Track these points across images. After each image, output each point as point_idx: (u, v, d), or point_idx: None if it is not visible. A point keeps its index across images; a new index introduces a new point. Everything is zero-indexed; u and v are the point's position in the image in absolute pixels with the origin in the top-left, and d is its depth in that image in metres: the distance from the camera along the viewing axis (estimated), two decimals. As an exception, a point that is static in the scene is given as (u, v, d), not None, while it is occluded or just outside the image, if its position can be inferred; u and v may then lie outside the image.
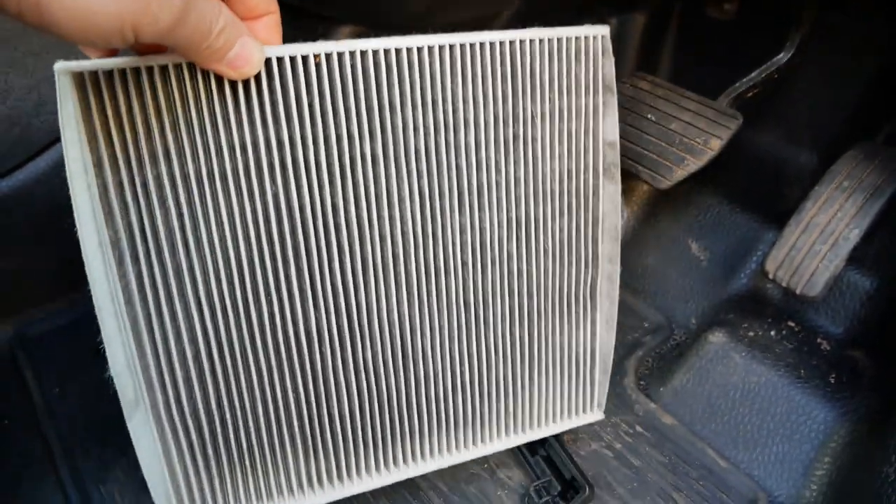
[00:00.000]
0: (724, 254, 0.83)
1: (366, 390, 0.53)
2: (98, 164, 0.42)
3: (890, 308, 0.71)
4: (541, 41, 0.51)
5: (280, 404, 0.51)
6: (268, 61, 0.43)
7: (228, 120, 0.44)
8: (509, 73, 0.50)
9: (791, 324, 0.75)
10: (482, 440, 0.59)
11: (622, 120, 0.78)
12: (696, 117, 0.74)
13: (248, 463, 0.52)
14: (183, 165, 0.44)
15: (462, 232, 0.52)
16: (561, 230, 0.56)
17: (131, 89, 0.41)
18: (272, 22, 0.44)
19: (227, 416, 0.50)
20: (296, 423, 0.52)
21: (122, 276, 0.44)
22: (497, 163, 0.52)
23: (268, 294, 0.48)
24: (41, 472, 0.65)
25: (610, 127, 0.55)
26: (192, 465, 0.50)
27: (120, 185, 0.43)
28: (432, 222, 0.51)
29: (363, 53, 0.45)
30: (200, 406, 0.48)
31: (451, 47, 0.48)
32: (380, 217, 0.49)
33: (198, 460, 0.50)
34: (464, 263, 0.53)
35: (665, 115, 0.76)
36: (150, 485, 0.49)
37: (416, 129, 0.48)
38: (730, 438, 0.67)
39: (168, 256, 0.45)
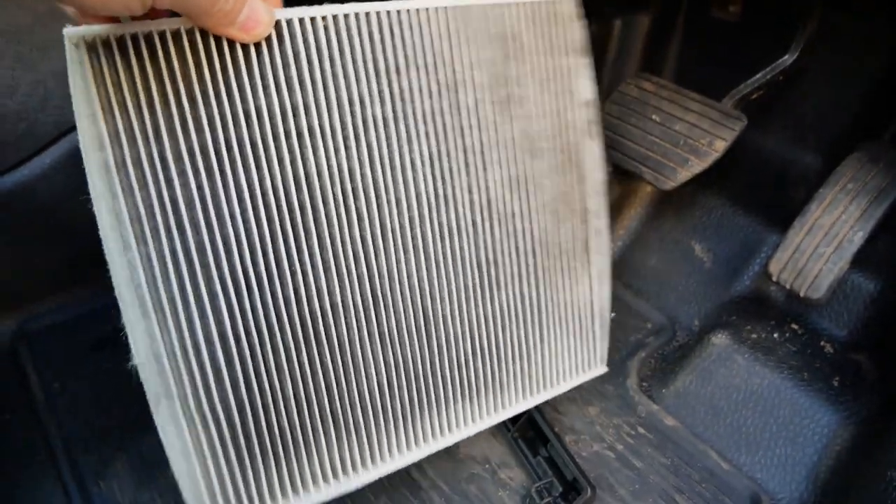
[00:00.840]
0: (727, 256, 0.82)
1: (392, 362, 0.52)
2: (115, 137, 0.40)
3: (893, 311, 0.71)
4: (523, 4, 0.54)
5: (310, 382, 0.48)
6: (277, 24, 0.43)
7: (243, 87, 0.43)
8: (499, 35, 0.53)
9: (794, 326, 0.74)
10: (503, 405, 0.60)
11: (626, 121, 0.78)
12: (701, 118, 0.74)
13: (281, 450, 0.49)
14: (200, 135, 0.42)
15: (469, 191, 0.54)
16: (554, 186, 0.58)
17: (145, 56, 0.40)
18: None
19: (258, 399, 0.47)
20: (326, 402, 0.50)
21: (144, 255, 0.42)
22: (494, 122, 0.54)
23: (291, 265, 0.46)
24: (41, 466, 0.65)
25: (583, 87, 0.58)
26: (224, 456, 0.46)
27: (138, 158, 0.41)
28: (443, 183, 0.52)
29: (367, 15, 0.47)
30: (229, 391, 0.45)
31: (447, 10, 0.50)
32: (394, 180, 0.50)
33: (229, 451, 0.46)
34: (474, 223, 0.54)
35: (669, 116, 0.76)
36: (178, 478, 0.46)
37: (421, 90, 0.50)
38: (732, 441, 0.67)
39: (190, 232, 0.43)
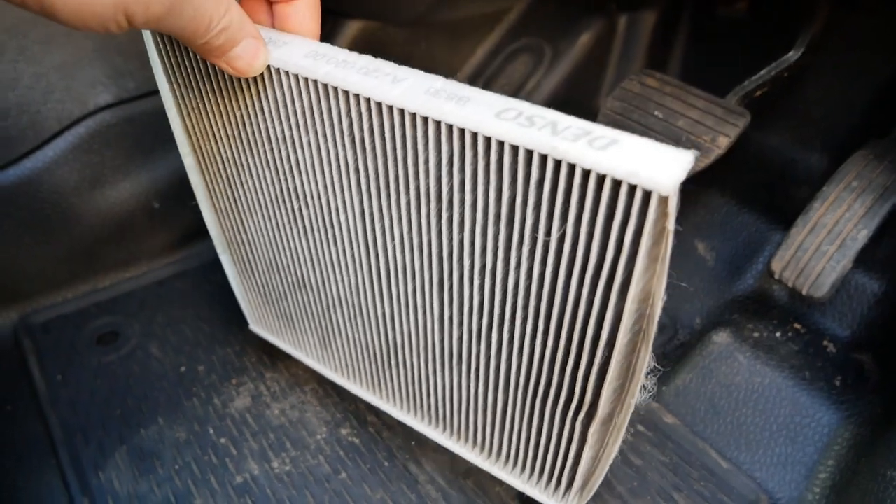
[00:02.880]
0: (730, 254, 0.82)
1: (371, 322, 0.57)
2: (188, 132, 0.56)
3: (897, 312, 0.70)
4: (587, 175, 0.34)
5: (308, 287, 0.59)
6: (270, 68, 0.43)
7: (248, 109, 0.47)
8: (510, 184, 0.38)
9: (797, 326, 0.74)
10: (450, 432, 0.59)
11: (628, 117, 0.77)
12: (704, 115, 0.73)
13: (290, 323, 0.66)
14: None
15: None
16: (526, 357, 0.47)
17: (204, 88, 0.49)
18: (306, 6, 0.44)
19: (271, 280, 0.63)
20: (318, 318, 0.62)
21: (205, 180, 0.60)
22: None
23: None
24: (42, 457, 0.65)
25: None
26: (256, 296, 0.68)
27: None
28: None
29: (379, 106, 0.39)
30: (259, 260, 0.62)
31: (475, 136, 0.37)
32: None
33: (259, 293, 0.67)
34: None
35: (672, 112, 0.75)
36: (236, 294, 0.71)
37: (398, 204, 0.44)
38: (732, 439, 0.66)
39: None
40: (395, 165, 0.42)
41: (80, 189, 0.77)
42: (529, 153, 0.35)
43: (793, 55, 0.75)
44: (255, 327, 0.73)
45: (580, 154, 0.33)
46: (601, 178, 0.34)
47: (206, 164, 0.58)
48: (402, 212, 0.44)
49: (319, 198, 0.49)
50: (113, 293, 0.82)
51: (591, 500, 0.61)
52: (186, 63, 0.49)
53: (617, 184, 0.33)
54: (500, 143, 0.36)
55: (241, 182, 0.55)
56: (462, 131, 0.37)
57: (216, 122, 0.52)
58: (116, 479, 0.63)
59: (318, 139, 0.45)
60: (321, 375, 0.72)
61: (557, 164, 0.35)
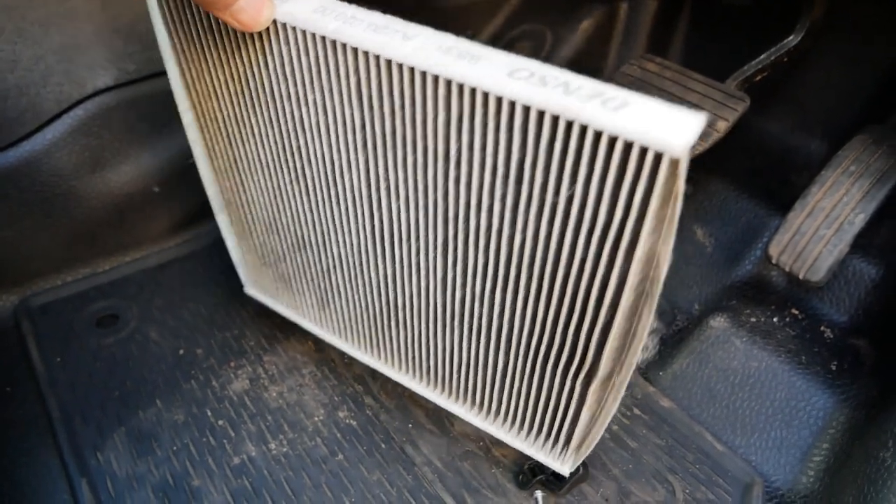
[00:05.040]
0: (729, 240, 0.82)
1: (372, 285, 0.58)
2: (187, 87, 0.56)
3: (894, 297, 0.70)
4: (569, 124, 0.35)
5: (312, 262, 0.61)
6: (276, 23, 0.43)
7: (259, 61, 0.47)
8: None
9: (795, 311, 0.74)
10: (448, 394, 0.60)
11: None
12: (703, 99, 0.73)
13: (284, 280, 0.66)
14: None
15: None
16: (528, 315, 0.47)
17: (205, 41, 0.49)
18: None
19: (269, 236, 0.63)
20: (319, 281, 0.62)
21: (203, 139, 0.60)
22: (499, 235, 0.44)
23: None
24: (40, 438, 0.66)
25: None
26: (253, 259, 0.69)
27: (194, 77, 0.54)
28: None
29: (388, 63, 0.39)
30: (260, 221, 0.62)
31: (473, 91, 0.37)
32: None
33: (256, 255, 0.68)
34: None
35: (672, 96, 0.75)
36: (232, 257, 0.71)
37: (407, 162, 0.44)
38: (728, 423, 0.67)
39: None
40: (403, 124, 0.42)
41: (79, 172, 0.77)
42: (541, 113, 0.35)
43: (793, 39, 0.75)
44: (251, 290, 0.73)
45: (592, 114, 0.33)
46: (612, 140, 0.34)
47: (205, 122, 0.57)
48: (408, 172, 0.44)
49: (324, 157, 0.49)
50: (112, 276, 0.82)
51: (588, 482, 0.61)
52: (188, 15, 0.48)
53: (628, 145, 0.33)
54: (512, 104, 0.36)
55: (243, 141, 0.55)
56: (473, 91, 0.37)
57: (218, 77, 0.51)
58: (115, 460, 0.63)
59: (323, 97, 0.45)
60: (319, 358, 0.73)
61: (569, 124, 0.35)
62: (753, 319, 0.72)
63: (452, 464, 0.63)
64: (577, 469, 0.61)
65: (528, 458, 0.62)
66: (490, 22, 0.96)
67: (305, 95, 0.46)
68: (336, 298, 0.62)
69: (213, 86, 0.52)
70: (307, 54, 0.43)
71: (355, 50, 0.40)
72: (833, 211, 0.64)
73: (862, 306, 0.72)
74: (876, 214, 0.64)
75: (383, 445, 0.64)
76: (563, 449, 0.55)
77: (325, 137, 0.47)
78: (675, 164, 0.32)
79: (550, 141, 0.36)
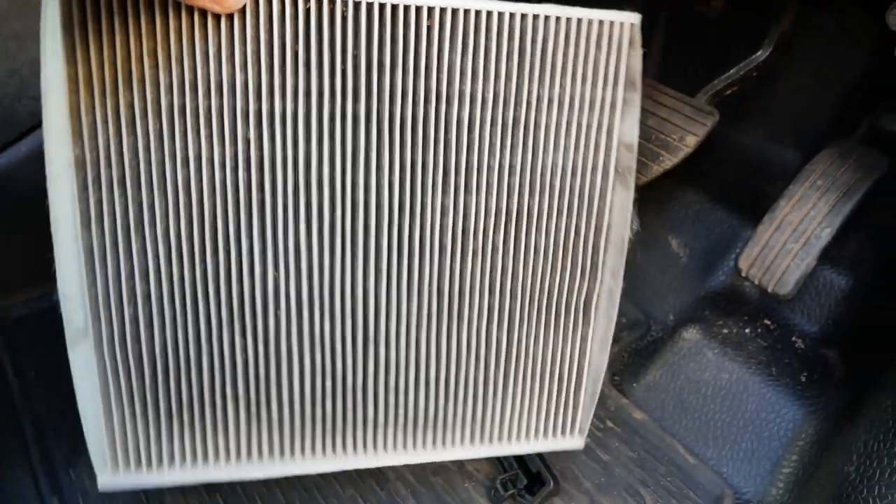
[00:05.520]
0: (703, 251, 0.83)
1: (319, 366, 0.50)
2: (73, 80, 0.42)
3: (863, 309, 0.71)
4: (558, 20, 0.47)
5: (226, 362, 0.48)
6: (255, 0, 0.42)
7: (207, 57, 0.43)
8: (517, 49, 0.46)
9: (767, 322, 0.74)
10: (443, 443, 0.55)
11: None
12: (672, 113, 0.74)
13: (185, 418, 0.49)
14: (157, 97, 0.43)
15: (443, 214, 0.49)
16: (557, 230, 0.51)
17: (115, 10, 0.41)
18: None
19: (171, 363, 0.48)
20: (240, 386, 0.49)
21: (84, 199, 0.44)
22: (492, 145, 0.48)
23: (226, 244, 0.46)
24: (13, 454, 0.65)
25: (628, 126, 0.50)
26: (130, 409, 0.48)
27: (92, 105, 0.43)
28: (410, 197, 0.48)
29: (357, 5, 0.43)
30: (145, 348, 0.47)
31: (454, 11, 0.45)
32: (354, 182, 0.47)
33: (135, 405, 0.48)
34: (442, 247, 0.50)
35: (642, 110, 0.76)
36: (84, 423, 0.47)
37: (404, 94, 0.46)
38: (699, 434, 0.67)
39: (131, 188, 0.44)
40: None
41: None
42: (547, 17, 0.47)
43: (761, 54, 0.76)
44: (116, 477, 0.49)
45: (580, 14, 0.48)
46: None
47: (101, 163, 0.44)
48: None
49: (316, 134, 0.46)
50: (88, 291, 0.82)
51: (559, 495, 0.62)
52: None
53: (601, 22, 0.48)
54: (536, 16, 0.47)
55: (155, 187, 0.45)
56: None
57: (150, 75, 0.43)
58: (87, 477, 0.63)
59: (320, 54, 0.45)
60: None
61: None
62: (726, 330, 0.73)
63: (425, 479, 0.63)
64: (549, 482, 0.61)
65: (501, 472, 0.63)
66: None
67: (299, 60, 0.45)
68: (276, 384, 0.50)
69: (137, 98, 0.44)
70: (296, 19, 0.43)
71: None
72: (800, 225, 0.65)
73: (832, 317, 0.73)
74: (842, 228, 0.65)
75: (357, 460, 0.64)
76: (573, 411, 0.57)
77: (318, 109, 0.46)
78: (634, 27, 0.49)
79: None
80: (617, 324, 0.80)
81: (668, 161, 0.71)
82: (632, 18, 0.49)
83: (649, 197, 0.90)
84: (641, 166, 0.73)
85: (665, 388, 0.71)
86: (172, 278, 0.46)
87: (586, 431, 0.58)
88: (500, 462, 0.64)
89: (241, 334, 0.48)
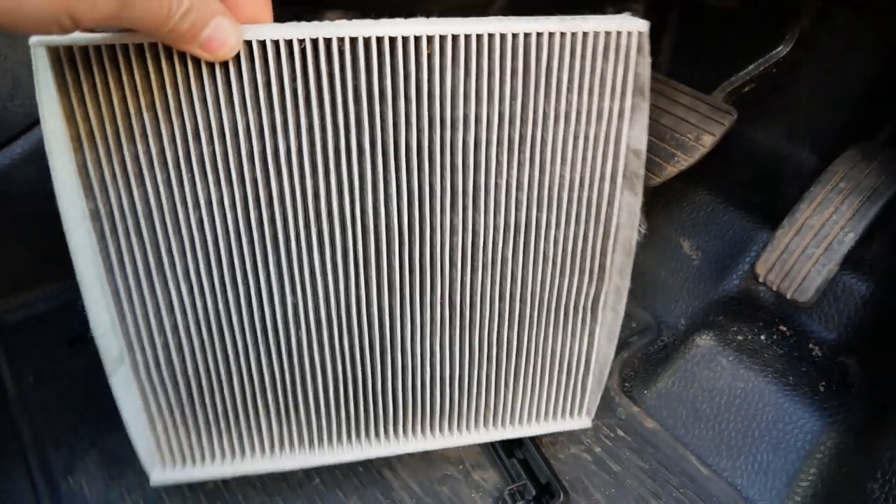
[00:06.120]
0: (716, 254, 0.80)
1: (341, 374, 0.53)
2: (76, 139, 0.42)
3: (884, 315, 0.68)
4: (562, 35, 0.45)
5: (255, 380, 0.52)
6: (249, 43, 0.41)
7: (206, 104, 0.42)
8: (521, 68, 0.45)
9: (783, 328, 0.72)
10: (459, 430, 0.58)
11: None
12: (689, 112, 0.71)
13: (223, 425, 0.54)
14: (162, 148, 0.43)
15: (453, 233, 0.49)
16: (566, 239, 0.52)
17: (107, 67, 0.40)
18: None
19: (204, 383, 0.51)
20: (269, 396, 0.53)
21: (104, 247, 0.45)
22: (499, 164, 0.47)
23: (244, 277, 0.48)
24: (11, 461, 0.64)
25: (637, 133, 0.49)
26: (171, 421, 0.52)
27: (98, 161, 0.43)
28: (420, 220, 0.48)
29: (353, 40, 0.42)
30: (178, 371, 0.50)
31: (455, 38, 0.43)
32: (363, 210, 0.47)
33: (176, 418, 0.52)
34: (452, 264, 0.51)
35: (656, 109, 0.73)
36: (132, 437, 0.52)
37: (408, 122, 0.45)
38: (713, 445, 0.65)
39: (147, 233, 0.45)
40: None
41: (50, 187, 0.75)
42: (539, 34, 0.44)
43: (781, 50, 0.73)
44: (163, 475, 0.54)
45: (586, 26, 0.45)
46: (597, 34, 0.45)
47: (115, 209, 0.45)
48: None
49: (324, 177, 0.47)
50: (87, 292, 0.80)
51: (568, 508, 0.60)
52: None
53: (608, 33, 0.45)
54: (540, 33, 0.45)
55: (178, 219, 0.46)
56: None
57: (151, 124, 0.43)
58: (86, 484, 0.62)
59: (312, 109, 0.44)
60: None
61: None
62: (740, 337, 0.71)
63: (431, 488, 0.62)
64: (559, 493, 0.60)
65: (509, 482, 0.61)
66: (476, 28, 0.94)
67: (288, 116, 0.44)
68: (303, 390, 0.54)
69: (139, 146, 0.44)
70: (288, 65, 0.42)
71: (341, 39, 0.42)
72: (822, 229, 0.63)
73: (851, 324, 0.71)
74: (866, 233, 0.63)
75: (361, 469, 0.63)
76: (581, 395, 0.59)
77: (324, 149, 0.46)
78: (642, 35, 0.46)
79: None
80: (627, 328, 0.79)
81: (684, 161, 0.68)
82: (639, 26, 0.46)
83: (660, 198, 0.88)
84: (656, 167, 0.71)
85: (678, 396, 0.69)
86: (197, 310, 0.48)
87: (593, 413, 0.60)
88: (507, 472, 0.63)
89: (266, 354, 0.51)
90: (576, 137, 0.48)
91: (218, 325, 0.49)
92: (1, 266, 0.76)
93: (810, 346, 0.70)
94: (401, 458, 0.64)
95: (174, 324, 0.48)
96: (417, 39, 0.43)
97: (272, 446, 0.56)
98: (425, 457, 0.64)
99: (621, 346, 0.76)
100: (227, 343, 0.50)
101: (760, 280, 0.65)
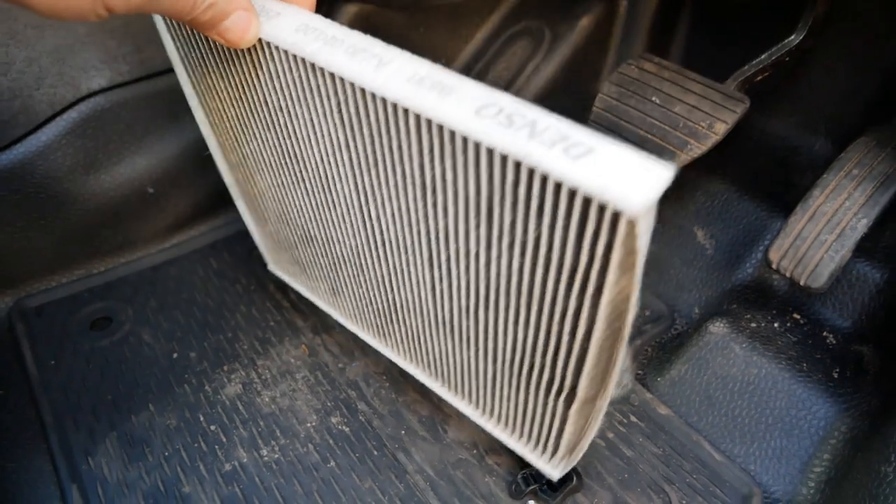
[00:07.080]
0: (730, 242, 0.80)
1: (367, 292, 0.61)
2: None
3: (899, 302, 0.68)
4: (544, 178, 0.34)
5: (319, 252, 0.62)
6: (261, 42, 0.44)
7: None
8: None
9: (796, 316, 0.72)
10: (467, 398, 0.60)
11: (624, 102, 0.76)
12: (702, 100, 0.71)
13: (298, 268, 0.70)
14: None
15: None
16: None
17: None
18: None
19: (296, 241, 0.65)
20: (325, 270, 0.64)
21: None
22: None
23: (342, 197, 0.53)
24: (32, 442, 0.66)
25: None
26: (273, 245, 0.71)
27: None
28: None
29: (363, 91, 0.39)
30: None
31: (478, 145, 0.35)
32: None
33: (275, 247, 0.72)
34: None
35: (669, 97, 0.73)
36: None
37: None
38: (727, 431, 0.65)
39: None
40: (381, 148, 0.42)
41: (73, 174, 0.77)
42: (504, 157, 0.34)
43: (794, 38, 0.73)
44: (274, 268, 0.78)
45: (553, 164, 0.32)
46: (572, 192, 0.33)
47: (214, 119, 0.60)
48: (390, 191, 0.45)
49: (316, 166, 0.50)
50: (106, 278, 0.82)
51: (582, 492, 0.60)
52: (188, 29, 0.50)
53: (587, 200, 0.32)
54: (477, 144, 0.35)
55: (247, 140, 0.57)
56: (441, 126, 0.36)
57: (219, 82, 0.53)
58: (106, 465, 0.63)
59: (309, 113, 0.46)
60: (312, 362, 0.72)
61: (531, 171, 0.34)
62: (754, 324, 0.71)
63: (445, 472, 0.62)
64: (571, 478, 0.60)
65: (522, 467, 0.62)
66: (487, 19, 0.94)
67: (294, 109, 0.47)
68: (344, 288, 0.64)
69: (216, 88, 0.54)
70: (291, 72, 0.44)
71: (332, 75, 0.41)
72: (835, 215, 0.63)
73: (866, 311, 0.71)
74: (879, 219, 0.62)
75: (375, 452, 0.64)
76: (551, 456, 0.55)
77: (316, 149, 0.49)
78: (632, 224, 0.31)
79: (515, 184, 0.35)
80: (640, 317, 0.79)
81: (697, 150, 0.68)
82: (643, 199, 0.30)
83: (674, 187, 0.87)
84: (669, 155, 0.71)
85: (691, 383, 0.69)
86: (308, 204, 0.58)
87: (564, 471, 0.57)
88: (521, 457, 0.63)
89: (324, 239, 0.60)
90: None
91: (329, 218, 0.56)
92: (24, 251, 0.77)
93: (824, 333, 0.70)
94: (415, 442, 0.64)
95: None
96: (406, 111, 0.38)
97: (330, 304, 0.71)
98: (439, 440, 0.65)
99: (634, 333, 0.76)
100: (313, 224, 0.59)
101: (773, 266, 0.65)
